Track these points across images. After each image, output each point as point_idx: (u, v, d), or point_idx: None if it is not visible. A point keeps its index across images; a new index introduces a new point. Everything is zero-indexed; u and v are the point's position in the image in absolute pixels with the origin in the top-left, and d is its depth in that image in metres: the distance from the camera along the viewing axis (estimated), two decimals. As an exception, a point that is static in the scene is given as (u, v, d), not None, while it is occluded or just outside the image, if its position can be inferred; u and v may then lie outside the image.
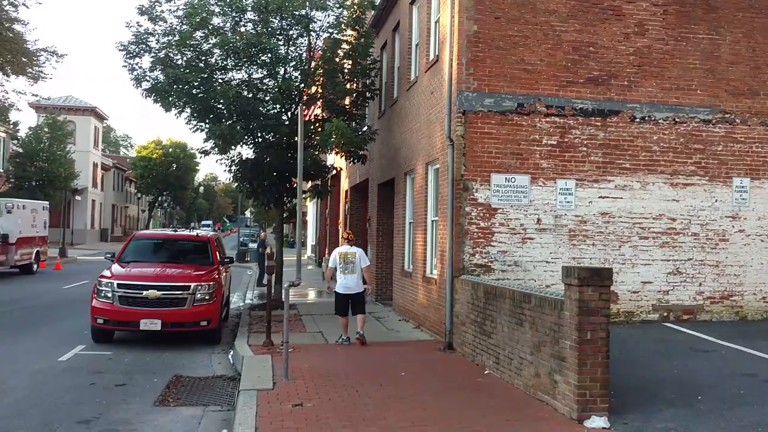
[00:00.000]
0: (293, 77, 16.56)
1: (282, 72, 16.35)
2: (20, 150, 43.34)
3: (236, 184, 18.96)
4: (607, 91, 12.11)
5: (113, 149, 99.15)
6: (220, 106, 15.98)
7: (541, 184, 11.80)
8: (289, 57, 16.35)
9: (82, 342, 12.11)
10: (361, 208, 22.29)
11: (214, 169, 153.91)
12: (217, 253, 14.20)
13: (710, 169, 12.49)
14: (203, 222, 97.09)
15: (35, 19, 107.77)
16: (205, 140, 16.47)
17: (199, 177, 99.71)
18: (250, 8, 15.80)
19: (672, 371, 9.03)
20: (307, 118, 17.34)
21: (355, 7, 16.34)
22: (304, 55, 16.59)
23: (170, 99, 15.82)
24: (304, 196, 16.69)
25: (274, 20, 15.84)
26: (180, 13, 15.96)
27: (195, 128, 16.62)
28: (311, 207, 38.17)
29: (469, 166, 11.49)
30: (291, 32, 16.19)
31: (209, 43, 16.07)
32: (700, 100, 12.46)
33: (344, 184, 25.09)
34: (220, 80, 16.26)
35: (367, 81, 17.23)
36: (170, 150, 73.42)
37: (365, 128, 17.69)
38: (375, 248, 18.29)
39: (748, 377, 8.71)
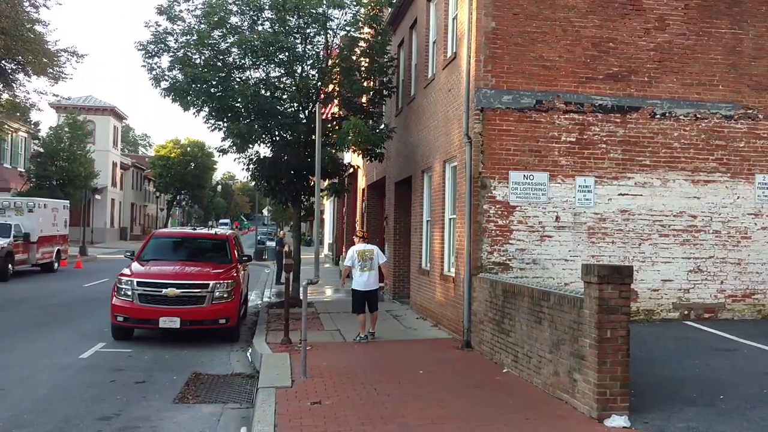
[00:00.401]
0: (311, 75, 16.58)
1: (299, 70, 16.37)
2: (41, 150, 43.86)
3: (254, 182, 19.05)
4: (627, 87, 11.99)
5: (132, 149, 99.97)
6: (238, 104, 16.04)
7: (559, 182, 11.71)
8: (307, 55, 16.36)
9: (102, 339, 12.22)
10: (378, 207, 22.28)
11: (231, 167, 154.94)
12: (236, 251, 14.27)
13: (732, 165, 12.33)
14: (221, 220, 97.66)
15: (56, 20, 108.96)
16: (223, 139, 16.57)
17: (217, 176, 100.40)
18: (267, 7, 15.82)
19: (693, 370, 8.93)
20: (324, 117, 17.35)
21: (372, 4, 16.30)
22: (322, 53, 16.59)
23: (188, 98, 15.90)
24: (321, 194, 16.71)
25: (291, 19, 15.86)
26: (198, 12, 16.03)
27: (213, 127, 16.71)
28: (328, 205, 38.25)
29: (487, 164, 11.43)
30: (308, 30, 16.20)
31: (227, 42, 16.13)
32: (722, 96, 12.30)
33: (361, 183, 25.09)
34: (238, 79, 16.32)
35: (384, 79, 17.20)
36: (188, 149, 73.97)
37: (382, 126, 17.67)
38: (392, 246, 18.27)
39: (772, 376, 8.58)
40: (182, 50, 16.04)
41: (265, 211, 55.64)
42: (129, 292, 12.00)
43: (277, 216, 53.12)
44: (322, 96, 16.71)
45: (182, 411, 7.96)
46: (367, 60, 16.83)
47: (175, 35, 16.12)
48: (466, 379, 8.99)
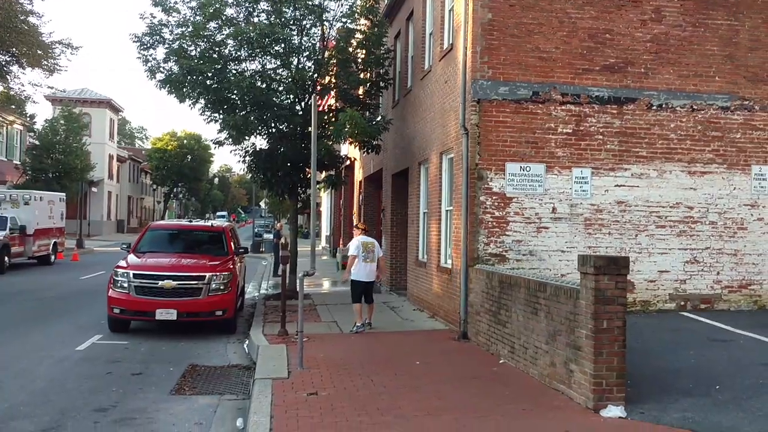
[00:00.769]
0: (307, 67, 16.54)
1: (295, 62, 16.32)
2: (37, 142, 43.69)
3: (250, 174, 19.00)
4: (623, 78, 11.97)
5: (128, 141, 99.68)
6: (234, 96, 16.00)
7: (556, 173, 11.71)
8: (303, 47, 16.31)
9: (99, 332, 12.21)
10: (375, 199, 22.27)
11: (228, 160, 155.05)
12: (232, 243, 14.25)
13: (728, 156, 12.34)
14: (218, 213, 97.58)
15: (50, 12, 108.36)
16: (219, 131, 16.53)
17: (214, 168, 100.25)
18: (263, -2, 15.79)
19: (689, 361, 8.96)
20: (320, 109, 17.33)
21: (369, -5, 16.27)
22: (318, 45, 16.54)
23: (184, 90, 15.86)
24: (318, 186, 16.69)
25: (287, 10, 15.81)
26: (193, 4, 15.97)
27: (209, 119, 16.67)
28: (325, 198, 38.24)
29: (483, 155, 11.42)
30: (304, 22, 16.15)
31: (223, 34, 16.07)
32: (718, 87, 12.29)
33: (358, 175, 25.07)
34: (233, 71, 16.27)
35: (381, 70, 17.16)
36: (185, 141, 73.84)
37: (379, 118, 17.64)
38: (389, 238, 18.27)
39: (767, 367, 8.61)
40: (177, 42, 15.98)
41: (262, 204, 55.65)
42: (125, 284, 11.98)
43: (274, 208, 53.14)
44: (319, 88, 16.67)
45: (179, 402, 7.96)
46: (364, 51, 16.79)
47: (171, 27, 16.07)
48: (463, 370, 9.01)
